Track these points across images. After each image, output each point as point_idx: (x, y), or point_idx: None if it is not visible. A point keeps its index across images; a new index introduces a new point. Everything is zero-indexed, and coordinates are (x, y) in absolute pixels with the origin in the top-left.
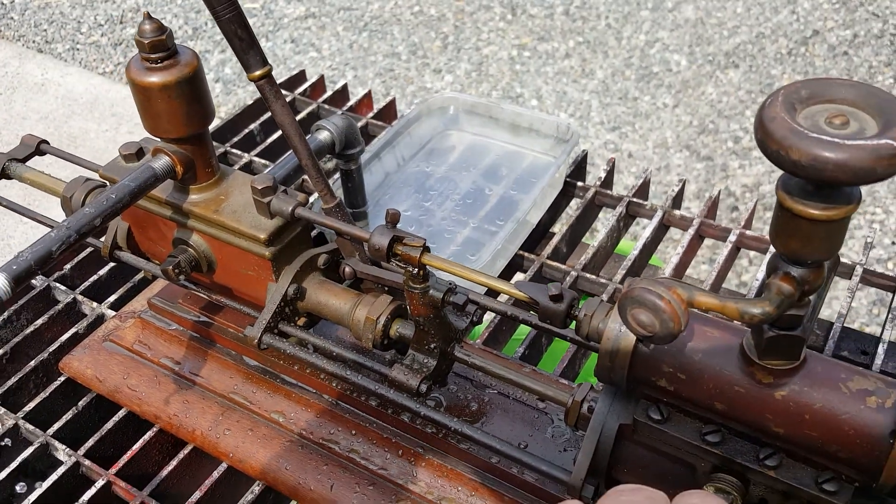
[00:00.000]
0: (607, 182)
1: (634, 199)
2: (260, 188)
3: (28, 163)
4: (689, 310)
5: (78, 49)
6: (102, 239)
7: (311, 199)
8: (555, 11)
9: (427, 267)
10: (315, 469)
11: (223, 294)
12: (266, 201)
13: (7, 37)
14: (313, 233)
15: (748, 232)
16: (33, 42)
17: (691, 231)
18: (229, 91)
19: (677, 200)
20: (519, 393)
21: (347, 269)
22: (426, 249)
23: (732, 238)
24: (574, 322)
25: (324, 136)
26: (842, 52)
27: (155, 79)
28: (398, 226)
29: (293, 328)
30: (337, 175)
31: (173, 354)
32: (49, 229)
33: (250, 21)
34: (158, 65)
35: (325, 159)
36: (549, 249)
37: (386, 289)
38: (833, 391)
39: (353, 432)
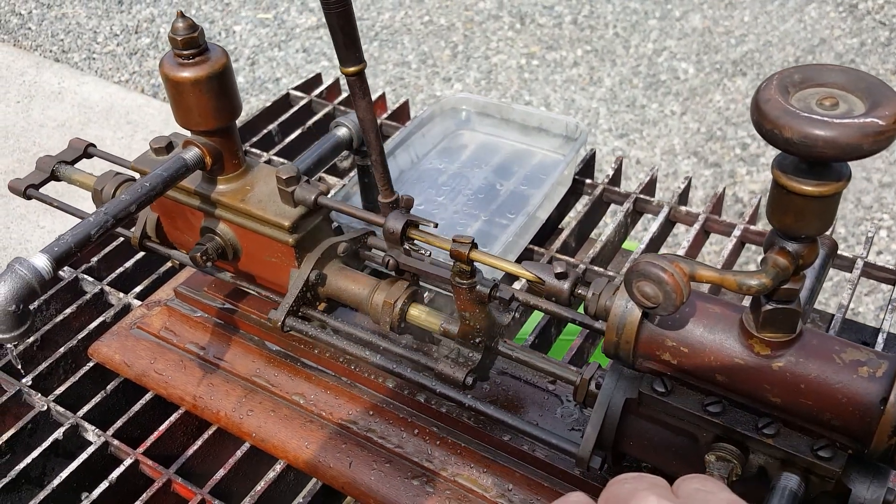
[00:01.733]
0: (615, 180)
1: (641, 196)
2: (285, 178)
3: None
4: (692, 284)
5: (94, 58)
6: (132, 230)
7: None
8: (563, 21)
9: (475, 263)
10: (334, 448)
11: (247, 281)
12: (290, 190)
13: (25, 46)
14: (333, 225)
15: (752, 227)
16: (50, 52)
17: (697, 226)
18: (242, 99)
19: (683, 197)
20: (530, 375)
21: (391, 262)
22: (474, 245)
23: (737, 233)
24: (582, 303)
25: (342, 132)
26: (849, 60)
27: (187, 74)
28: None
29: (314, 312)
30: (353, 172)
31: (198, 340)
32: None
33: (262, 32)
34: (190, 61)
35: (343, 156)
36: (558, 244)
37: (419, 279)
38: (827, 362)
39: (371, 413)
